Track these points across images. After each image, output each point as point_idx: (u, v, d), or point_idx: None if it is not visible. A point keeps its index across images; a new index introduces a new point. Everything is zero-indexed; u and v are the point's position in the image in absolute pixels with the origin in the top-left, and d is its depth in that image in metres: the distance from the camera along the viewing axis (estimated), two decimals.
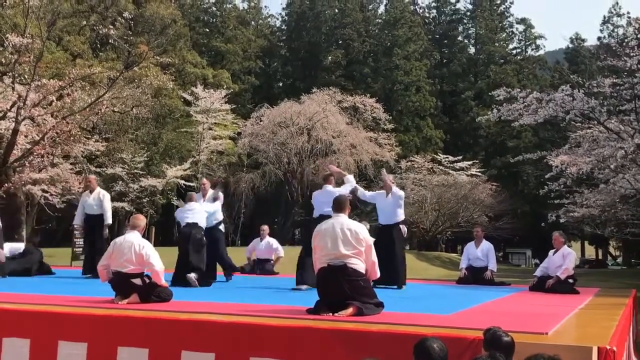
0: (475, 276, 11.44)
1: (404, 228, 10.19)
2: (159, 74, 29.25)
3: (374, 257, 6.28)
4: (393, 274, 9.52)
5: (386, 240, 9.76)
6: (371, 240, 6.32)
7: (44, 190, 25.62)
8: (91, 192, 11.60)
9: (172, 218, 46.17)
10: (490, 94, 23.91)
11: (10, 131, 20.00)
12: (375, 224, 10.72)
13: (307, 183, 44.43)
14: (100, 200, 11.44)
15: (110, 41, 40.93)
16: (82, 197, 11.88)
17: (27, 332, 5.76)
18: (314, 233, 6.37)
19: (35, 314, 5.97)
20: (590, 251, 67.96)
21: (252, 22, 67.21)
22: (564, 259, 9.82)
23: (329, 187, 9.27)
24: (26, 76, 20.33)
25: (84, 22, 42.93)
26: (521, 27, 68.57)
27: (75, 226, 12.11)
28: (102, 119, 26.77)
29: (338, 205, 6.41)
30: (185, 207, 10.25)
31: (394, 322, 5.43)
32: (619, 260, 62.65)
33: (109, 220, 11.49)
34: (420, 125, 57.40)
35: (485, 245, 11.77)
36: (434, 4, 70.76)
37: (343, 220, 6.19)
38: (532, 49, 68.36)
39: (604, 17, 59.88)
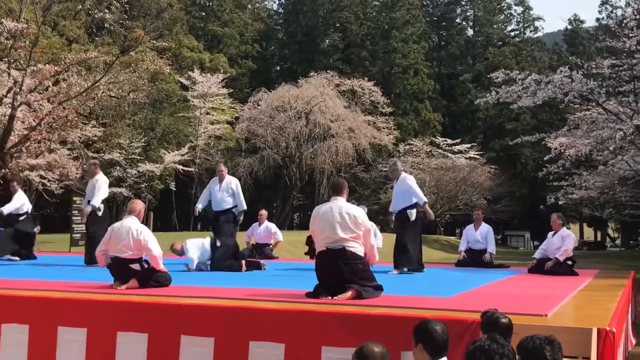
0: (475, 259, 11.44)
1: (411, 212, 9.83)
2: (155, 58, 29.10)
3: (373, 240, 6.27)
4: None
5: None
6: (370, 224, 6.30)
7: (41, 176, 25.56)
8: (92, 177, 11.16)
9: (170, 203, 46.34)
10: (488, 76, 23.80)
11: (7, 117, 19.95)
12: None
13: (306, 167, 44.41)
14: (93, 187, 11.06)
15: (106, 26, 40.70)
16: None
17: (27, 318, 5.75)
18: (312, 217, 6.35)
19: (35, 300, 5.96)
20: (589, 233, 68.13)
21: (249, 6, 66.81)
22: (562, 240, 9.81)
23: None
24: (22, 61, 20.22)
25: (80, 7, 42.73)
26: (519, 9, 68.38)
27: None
28: (99, 104, 26.69)
29: (336, 188, 6.38)
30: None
31: (393, 305, 5.42)
32: (618, 241, 62.88)
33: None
34: (419, 109, 57.32)
35: (484, 227, 11.76)
36: None
37: (341, 204, 6.16)
38: (531, 31, 68.27)
39: None
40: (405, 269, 9.45)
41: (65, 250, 19.32)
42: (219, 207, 10.50)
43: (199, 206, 10.76)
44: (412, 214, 9.58)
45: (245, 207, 11.00)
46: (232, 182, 10.65)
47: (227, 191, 10.49)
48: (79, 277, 8.08)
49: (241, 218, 11.06)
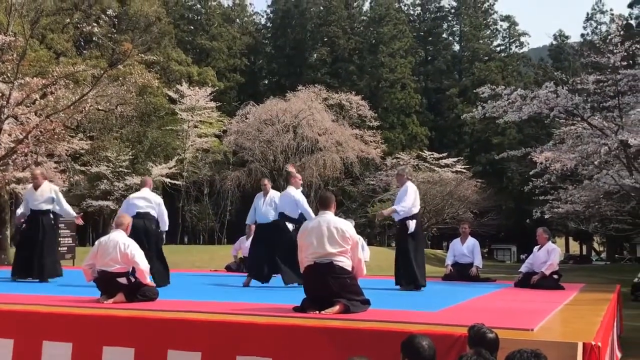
0: (461, 272, 11.47)
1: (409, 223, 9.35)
2: (143, 71, 29.10)
3: (361, 254, 6.27)
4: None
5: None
6: (358, 237, 6.31)
7: None
8: (36, 187, 10.48)
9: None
10: (474, 91, 23.98)
11: None
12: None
13: None
14: (49, 196, 10.36)
15: (94, 39, 40.79)
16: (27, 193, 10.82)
17: (11, 332, 5.70)
18: (300, 231, 6.35)
19: (19, 314, 5.91)
20: (575, 247, 68.44)
21: (237, 20, 67.04)
22: (548, 254, 9.87)
23: None
24: (9, 74, 20.17)
25: (68, 20, 42.67)
26: (505, 24, 68.99)
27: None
28: (87, 117, 26.59)
29: (324, 202, 6.38)
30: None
31: (381, 319, 5.43)
32: (603, 255, 63.14)
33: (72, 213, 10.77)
34: (406, 123, 57.58)
35: (471, 241, 11.80)
36: (418, 2, 70.96)
37: (329, 218, 6.17)
38: (516, 46, 68.84)
39: (587, 14, 60.39)
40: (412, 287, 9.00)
41: None
42: (264, 220, 10.71)
43: (250, 222, 11.19)
44: (411, 225, 9.18)
45: None
46: (276, 196, 10.96)
47: (271, 204, 10.75)
48: (64, 291, 8.03)
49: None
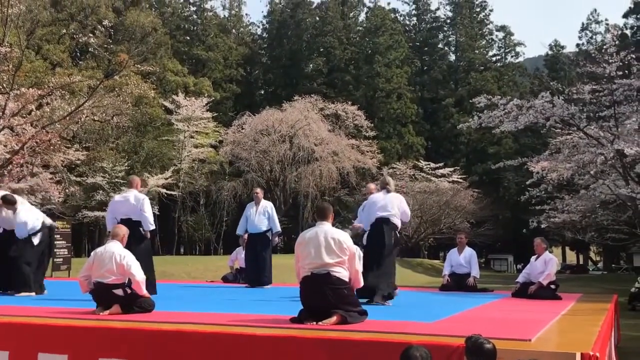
0: (458, 283, 11.45)
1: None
2: (139, 82, 29.14)
3: (358, 265, 6.26)
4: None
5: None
6: (355, 248, 6.30)
7: None
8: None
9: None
10: (470, 101, 24.03)
11: None
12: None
13: (290, 191, 44.40)
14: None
15: (90, 50, 40.82)
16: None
17: (7, 344, 5.67)
18: (297, 242, 6.33)
19: (15, 326, 5.88)
20: (572, 257, 68.46)
21: (233, 30, 67.19)
22: (545, 264, 9.86)
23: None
24: (5, 85, 20.16)
25: (64, 31, 42.77)
26: (501, 34, 69.36)
27: None
28: (82, 128, 26.62)
29: (322, 213, 6.38)
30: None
31: (378, 330, 5.41)
32: (600, 265, 63.17)
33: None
34: (402, 132, 57.70)
35: (468, 251, 11.79)
36: (414, 12, 71.33)
37: (327, 229, 6.16)
38: (512, 56, 69.20)
39: (583, 24, 60.69)
40: None
41: (47, 274, 19.07)
42: (255, 230, 10.64)
43: (241, 233, 11.21)
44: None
45: (280, 229, 11.37)
46: (268, 206, 10.96)
47: (263, 214, 10.74)
48: (60, 303, 7.99)
49: (277, 239, 11.42)
